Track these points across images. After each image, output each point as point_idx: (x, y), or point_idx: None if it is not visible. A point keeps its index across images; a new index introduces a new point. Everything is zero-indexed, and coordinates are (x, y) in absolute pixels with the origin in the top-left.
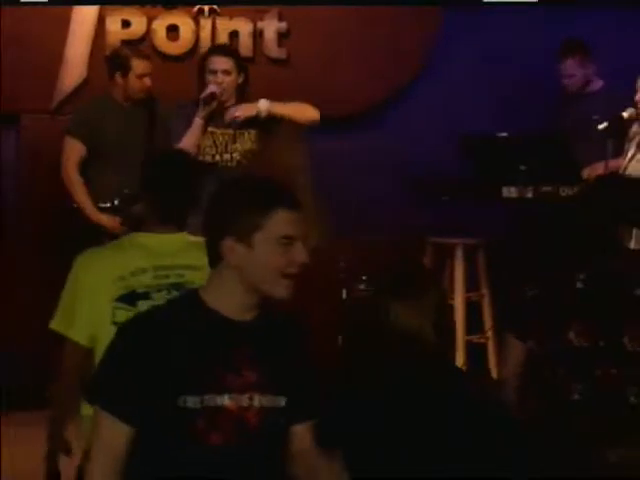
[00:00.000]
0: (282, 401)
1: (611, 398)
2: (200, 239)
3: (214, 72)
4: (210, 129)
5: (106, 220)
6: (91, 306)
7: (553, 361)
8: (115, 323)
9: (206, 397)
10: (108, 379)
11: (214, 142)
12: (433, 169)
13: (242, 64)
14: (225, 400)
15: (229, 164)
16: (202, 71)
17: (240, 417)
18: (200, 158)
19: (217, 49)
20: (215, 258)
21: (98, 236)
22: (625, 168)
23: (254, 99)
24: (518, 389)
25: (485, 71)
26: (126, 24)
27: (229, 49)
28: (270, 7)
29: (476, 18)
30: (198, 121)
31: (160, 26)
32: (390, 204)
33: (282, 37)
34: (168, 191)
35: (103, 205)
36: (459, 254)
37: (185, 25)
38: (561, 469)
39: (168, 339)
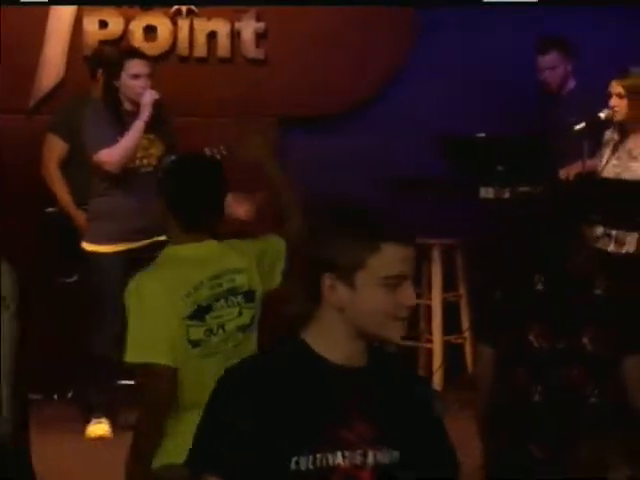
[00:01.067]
0: (397, 455)
1: (572, 399)
2: (230, 241)
3: (137, 76)
4: None
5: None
6: (168, 327)
7: (514, 363)
8: (190, 341)
9: (318, 456)
10: (213, 443)
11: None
12: (411, 169)
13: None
14: (338, 458)
15: (147, 169)
16: (111, 73)
17: (354, 477)
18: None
19: (137, 53)
20: (315, 295)
21: (77, 236)
22: (601, 172)
23: (232, 100)
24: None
25: (464, 71)
26: (103, 24)
27: (143, 52)
28: (248, 7)
29: (454, 18)
30: (140, 124)
31: (137, 27)
32: (368, 204)
33: (260, 37)
34: (192, 198)
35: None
36: (436, 254)
37: (162, 26)
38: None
39: (275, 392)
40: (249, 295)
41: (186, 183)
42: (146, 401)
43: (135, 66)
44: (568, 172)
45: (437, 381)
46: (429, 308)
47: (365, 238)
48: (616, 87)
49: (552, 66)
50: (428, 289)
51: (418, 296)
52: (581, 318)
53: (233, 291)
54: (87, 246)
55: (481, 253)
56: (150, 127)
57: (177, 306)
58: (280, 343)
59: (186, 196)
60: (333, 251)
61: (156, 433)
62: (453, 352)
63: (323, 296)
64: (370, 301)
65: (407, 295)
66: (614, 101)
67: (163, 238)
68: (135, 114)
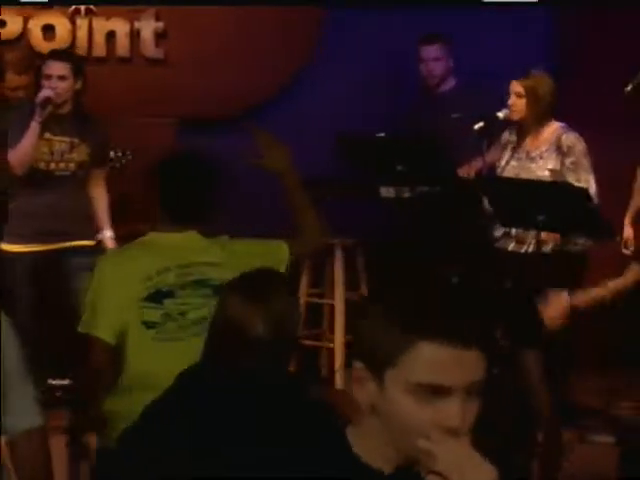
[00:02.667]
0: None
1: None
2: (221, 237)
3: (49, 77)
4: (47, 136)
5: None
6: (118, 304)
7: None
8: (144, 322)
9: None
10: None
11: (50, 149)
12: (312, 169)
13: (80, 70)
14: None
15: (64, 173)
16: (39, 75)
17: None
18: (35, 165)
19: (54, 54)
20: None
21: None
22: (501, 174)
23: (132, 99)
24: None
25: (367, 71)
26: (1, 24)
27: (67, 54)
28: (147, 7)
29: (357, 18)
30: (34, 125)
31: (36, 26)
32: (269, 204)
33: (159, 37)
34: (181, 192)
35: None
36: (338, 254)
37: (61, 25)
38: None
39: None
40: (219, 290)
41: (174, 180)
42: (86, 369)
43: (48, 67)
44: (468, 171)
45: (339, 381)
46: (331, 308)
47: (397, 328)
48: (516, 86)
49: (435, 57)
50: (331, 289)
51: (320, 296)
52: (494, 314)
53: (202, 283)
54: (2, 245)
55: (383, 252)
56: (74, 131)
57: (133, 287)
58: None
59: (173, 192)
60: (363, 333)
61: (95, 401)
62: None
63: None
64: (398, 408)
65: (447, 414)
66: (513, 100)
67: (83, 242)
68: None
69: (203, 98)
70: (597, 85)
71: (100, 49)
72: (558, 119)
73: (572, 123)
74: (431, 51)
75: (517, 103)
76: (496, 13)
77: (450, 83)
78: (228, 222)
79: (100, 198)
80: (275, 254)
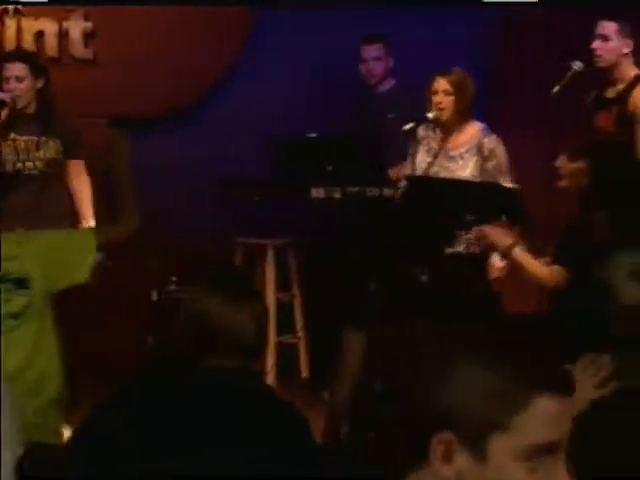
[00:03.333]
0: None
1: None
2: (17, 231)
3: (7, 79)
4: (12, 136)
5: None
6: None
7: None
8: None
9: None
10: None
11: (15, 149)
12: (243, 170)
13: (40, 69)
14: None
15: (31, 172)
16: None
17: None
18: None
19: (9, 55)
20: (416, 459)
21: None
22: (415, 171)
23: (61, 99)
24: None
25: (296, 71)
26: None
27: (23, 54)
28: (77, 7)
29: (287, 18)
30: None
31: None
32: (200, 205)
33: (88, 37)
34: None
35: None
36: (270, 255)
37: None
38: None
39: None
40: (21, 282)
41: None
42: None
43: (5, 69)
44: (397, 173)
45: (270, 381)
46: None
47: (509, 385)
48: (443, 83)
49: (376, 57)
50: (262, 289)
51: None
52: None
53: (2, 278)
54: None
55: (314, 252)
56: (40, 129)
57: None
58: None
59: None
60: (453, 399)
61: None
62: (286, 352)
63: (431, 464)
64: (507, 478)
65: (558, 476)
66: (440, 98)
67: None
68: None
69: (132, 98)
70: (525, 85)
71: (29, 49)
72: (481, 119)
73: (498, 123)
74: (371, 51)
75: (445, 100)
76: (431, 12)
77: (390, 83)
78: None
79: (81, 190)
80: (79, 242)
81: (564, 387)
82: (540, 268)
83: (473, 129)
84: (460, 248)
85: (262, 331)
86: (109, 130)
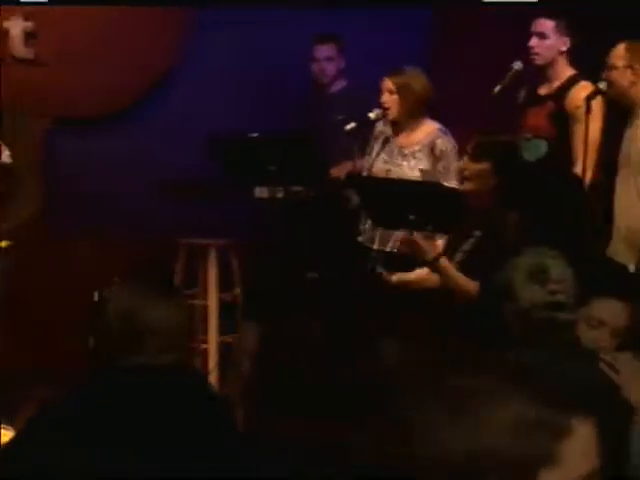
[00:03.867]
0: None
1: (350, 381)
2: None
3: None
4: None
5: None
6: None
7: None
8: None
9: None
10: None
11: None
12: (185, 170)
13: None
14: None
15: None
16: None
17: None
18: None
19: None
20: None
21: None
22: (371, 166)
23: (2, 99)
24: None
25: (238, 71)
26: None
27: None
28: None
29: (228, 17)
30: None
31: None
32: (142, 205)
33: (29, 37)
34: None
35: None
36: (212, 255)
37: None
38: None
39: None
40: None
41: None
42: None
43: None
44: (339, 172)
45: (212, 381)
46: (205, 308)
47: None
48: (388, 83)
49: (329, 57)
50: (204, 290)
51: (194, 296)
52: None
53: None
54: None
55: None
56: None
57: None
58: None
59: None
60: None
61: None
62: (228, 352)
63: None
64: None
65: None
66: (385, 97)
67: None
68: None
69: (74, 98)
70: (468, 85)
71: None
72: (433, 117)
73: (445, 121)
74: (324, 50)
75: (389, 100)
76: (380, 13)
77: (341, 84)
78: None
79: None
80: None
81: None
82: (466, 281)
83: (428, 128)
84: (394, 247)
85: (186, 326)
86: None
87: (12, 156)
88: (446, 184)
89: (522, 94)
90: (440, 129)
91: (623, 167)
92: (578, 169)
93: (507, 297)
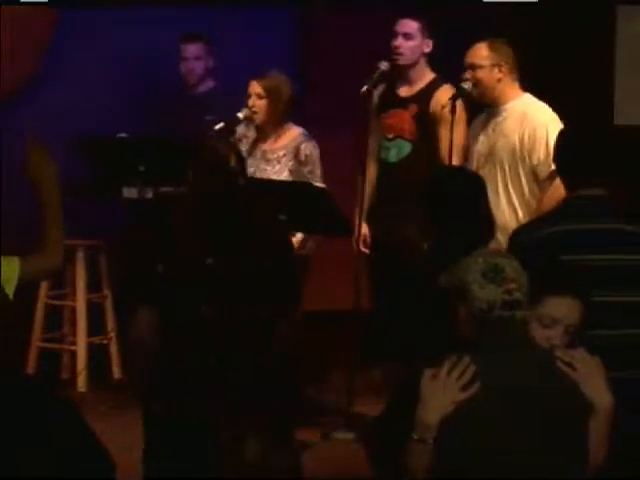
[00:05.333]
0: None
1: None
2: None
3: None
4: None
5: None
6: None
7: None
8: None
9: None
10: None
11: None
12: None
13: None
14: None
15: None
16: None
17: None
18: None
19: None
20: None
21: None
22: None
23: None
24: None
25: (105, 71)
26: None
27: None
28: None
29: (94, 17)
30: None
31: None
32: (9, 205)
33: None
34: None
35: None
36: (80, 256)
37: None
38: None
39: None
40: None
41: None
42: None
43: None
44: None
45: (81, 383)
46: (73, 310)
47: None
48: (256, 87)
49: (196, 56)
50: (72, 291)
51: (62, 297)
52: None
53: None
54: None
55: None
56: None
57: None
58: None
59: None
60: None
61: None
62: (97, 353)
63: None
64: None
65: None
66: (253, 101)
67: None
68: None
69: None
70: (334, 86)
71: None
72: (296, 121)
73: (308, 124)
74: (192, 50)
75: (257, 104)
76: (248, 13)
77: (208, 84)
78: None
79: None
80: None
81: None
82: None
83: (292, 133)
84: None
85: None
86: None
87: None
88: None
89: (371, 93)
90: (304, 134)
91: (486, 164)
92: None
93: (460, 298)
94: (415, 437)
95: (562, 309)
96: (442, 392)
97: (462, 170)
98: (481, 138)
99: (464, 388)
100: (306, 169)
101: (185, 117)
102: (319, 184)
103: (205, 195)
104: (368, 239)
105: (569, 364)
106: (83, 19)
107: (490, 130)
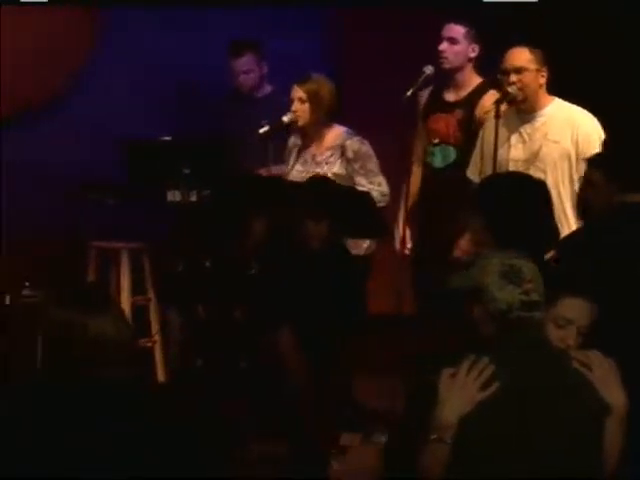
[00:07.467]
0: None
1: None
2: None
3: None
4: None
5: None
6: None
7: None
8: None
9: None
10: None
11: None
12: (98, 173)
13: None
14: None
15: None
16: None
17: None
18: None
19: None
20: None
21: None
22: (287, 177)
23: None
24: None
25: (149, 74)
26: None
27: None
28: None
29: (137, 17)
30: None
31: None
32: (52, 209)
33: None
34: None
35: None
36: (124, 258)
37: None
38: None
39: None
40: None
41: None
42: None
43: None
44: (268, 173)
45: None
46: None
47: None
48: (298, 91)
49: (246, 70)
50: (116, 293)
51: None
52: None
53: None
54: None
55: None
56: None
57: None
58: None
59: None
60: None
61: None
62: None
63: None
64: None
65: None
66: (296, 106)
67: None
68: None
69: None
70: (375, 88)
71: None
72: (339, 121)
73: (353, 125)
74: (240, 64)
75: (300, 108)
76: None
77: (265, 90)
78: None
79: None
80: None
81: None
82: None
83: (336, 133)
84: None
85: (131, 335)
86: None
87: None
88: (368, 184)
89: (424, 98)
90: (347, 132)
91: (527, 170)
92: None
93: (477, 299)
94: (433, 437)
95: (575, 310)
96: (460, 392)
97: (525, 176)
98: (515, 144)
99: (482, 388)
100: (356, 165)
101: (239, 121)
102: (378, 182)
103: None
104: (411, 242)
105: (585, 364)
106: (129, 20)
107: (525, 136)
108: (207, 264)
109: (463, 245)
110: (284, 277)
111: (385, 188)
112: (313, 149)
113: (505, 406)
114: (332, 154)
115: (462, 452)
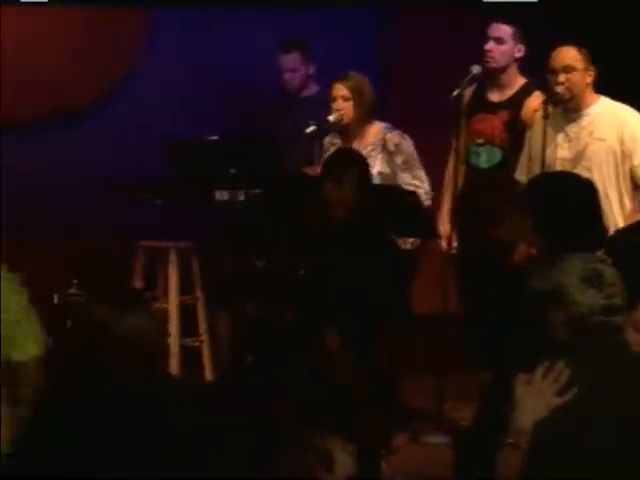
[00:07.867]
0: None
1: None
2: None
3: None
4: None
5: None
6: None
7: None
8: None
9: None
10: None
11: None
12: (145, 172)
13: None
14: None
15: None
16: None
17: None
18: None
19: None
20: None
21: None
22: None
23: None
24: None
25: (196, 73)
26: None
27: None
28: None
29: (186, 18)
30: None
31: None
32: (100, 208)
33: None
34: None
35: None
36: (173, 257)
37: None
38: None
39: None
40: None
41: None
42: None
43: None
44: (314, 171)
45: None
46: (165, 312)
47: None
48: (341, 89)
49: (292, 68)
50: (164, 292)
51: (154, 299)
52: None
53: None
54: None
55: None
56: None
57: None
58: None
59: None
60: None
61: None
62: (190, 355)
63: None
64: None
65: None
66: (339, 105)
67: None
68: None
69: (19, 101)
70: (421, 87)
71: None
72: (383, 119)
73: (396, 124)
74: (288, 61)
75: (344, 106)
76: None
77: (311, 90)
78: None
79: None
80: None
81: None
82: None
83: (376, 128)
84: None
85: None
86: None
87: None
88: (411, 179)
89: (461, 97)
90: (386, 126)
91: (574, 169)
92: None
93: (557, 302)
94: (510, 442)
95: None
96: (536, 397)
97: (573, 176)
98: (561, 143)
99: (559, 393)
100: (399, 160)
101: (287, 121)
102: (419, 176)
103: None
104: (456, 241)
105: None
106: (176, 20)
107: (572, 135)
108: (258, 264)
109: (523, 250)
110: (330, 275)
111: (427, 185)
112: (355, 146)
113: (583, 411)
114: (373, 149)
115: (537, 458)
